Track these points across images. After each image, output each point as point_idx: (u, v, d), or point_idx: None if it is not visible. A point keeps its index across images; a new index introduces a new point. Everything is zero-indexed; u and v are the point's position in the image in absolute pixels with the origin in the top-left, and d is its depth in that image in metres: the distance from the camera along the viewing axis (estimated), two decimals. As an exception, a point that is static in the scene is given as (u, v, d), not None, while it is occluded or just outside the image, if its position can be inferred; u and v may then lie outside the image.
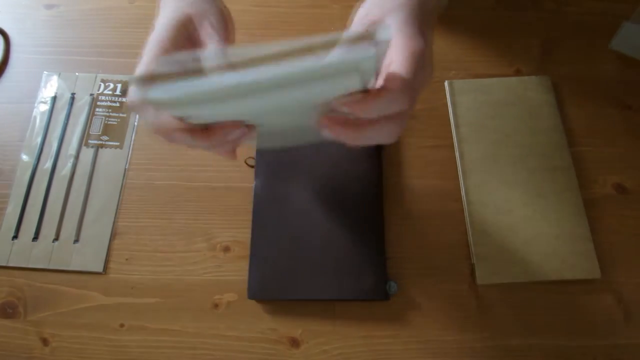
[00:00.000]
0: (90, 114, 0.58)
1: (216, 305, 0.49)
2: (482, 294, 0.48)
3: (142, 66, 0.31)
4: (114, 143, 0.57)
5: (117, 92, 0.59)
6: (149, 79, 0.26)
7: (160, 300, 0.49)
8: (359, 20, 0.34)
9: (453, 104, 0.55)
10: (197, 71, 0.25)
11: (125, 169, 0.55)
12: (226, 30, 0.34)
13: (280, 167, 0.52)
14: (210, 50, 0.32)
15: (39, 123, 0.58)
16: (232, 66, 0.25)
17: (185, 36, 0.33)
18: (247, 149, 0.54)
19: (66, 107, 0.59)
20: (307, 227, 0.49)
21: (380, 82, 0.28)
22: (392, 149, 0.54)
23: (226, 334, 0.48)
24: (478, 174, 0.51)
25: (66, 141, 0.57)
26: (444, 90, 0.57)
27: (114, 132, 0.57)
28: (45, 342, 0.48)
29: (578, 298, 0.47)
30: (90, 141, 0.57)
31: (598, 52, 0.58)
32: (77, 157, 0.56)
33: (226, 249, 0.51)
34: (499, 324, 0.47)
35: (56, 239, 0.52)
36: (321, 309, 0.48)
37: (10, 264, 0.51)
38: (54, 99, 0.59)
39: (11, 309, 0.49)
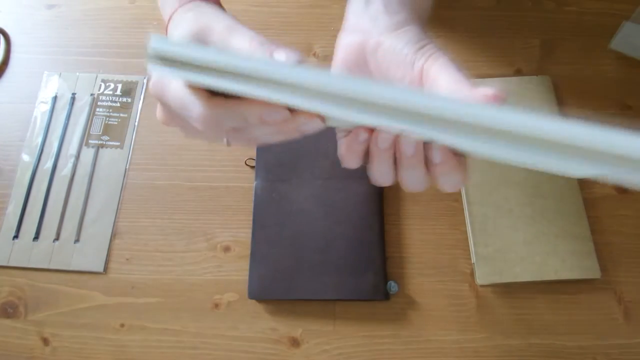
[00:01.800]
0: (91, 114, 0.58)
1: (216, 305, 0.49)
2: (482, 294, 0.48)
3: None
4: (115, 143, 0.57)
5: (118, 92, 0.59)
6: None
7: (160, 300, 0.49)
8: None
9: (453, 104, 0.55)
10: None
11: (125, 169, 0.55)
12: (244, 26, 0.32)
13: (280, 167, 0.52)
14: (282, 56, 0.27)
15: (39, 123, 0.58)
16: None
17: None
18: (248, 150, 0.54)
19: (67, 107, 0.59)
20: (307, 227, 0.49)
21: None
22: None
23: (226, 334, 0.48)
24: (478, 174, 0.51)
25: (67, 141, 0.57)
26: (444, 90, 0.57)
27: (114, 132, 0.57)
28: (45, 341, 0.48)
29: (578, 298, 0.47)
30: (90, 141, 0.57)
31: (598, 52, 0.58)
32: (77, 157, 0.56)
33: (226, 249, 0.51)
34: (499, 324, 0.47)
35: (57, 238, 0.52)
36: (321, 309, 0.48)
37: (11, 264, 0.51)
38: (55, 99, 0.59)
39: (12, 309, 0.49)
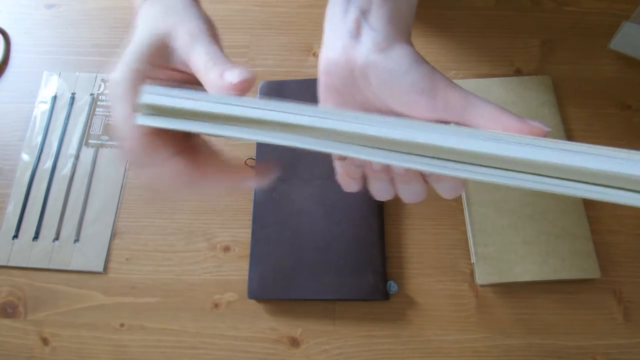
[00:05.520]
0: (91, 114, 0.58)
1: (216, 305, 0.49)
2: (482, 294, 0.48)
3: (120, 76, 0.28)
4: (115, 143, 0.57)
5: (117, 92, 0.59)
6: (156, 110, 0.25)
7: (160, 300, 0.49)
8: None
9: (453, 104, 0.55)
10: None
11: (125, 169, 0.55)
12: (212, 35, 0.30)
13: (280, 167, 0.52)
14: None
15: (39, 123, 0.58)
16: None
17: (160, 57, 0.30)
18: (248, 149, 0.54)
19: (66, 106, 0.59)
20: (307, 227, 0.49)
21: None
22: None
23: (226, 334, 0.48)
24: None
25: (66, 141, 0.57)
26: (444, 90, 0.57)
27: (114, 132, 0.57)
28: (45, 341, 0.48)
29: (578, 298, 0.47)
30: (90, 141, 0.57)
31: (598, 52, 0.58)
32: (77, 156, 0.56)
33: (226, 249, 0.51)
34: (499, 324, 0.47)
35: (56, 238, 0.52)
36: (321, 309, 0.48)
37: (11, 264, 0.51)
38: (55, 98, 0.59)
39: (11, 309, 0.49)
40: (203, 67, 0.28)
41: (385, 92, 0.29)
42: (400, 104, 0.29)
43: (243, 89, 0.26)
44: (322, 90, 0.32)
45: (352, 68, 0.30)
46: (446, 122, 0.28)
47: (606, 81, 0.57)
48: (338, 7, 0.31)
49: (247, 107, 0.24)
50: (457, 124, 0.28)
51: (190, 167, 0.29)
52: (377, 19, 0.29)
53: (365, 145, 0.24)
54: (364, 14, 0.30)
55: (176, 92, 0.25)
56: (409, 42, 0.30)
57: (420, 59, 0.29)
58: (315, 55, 0.60)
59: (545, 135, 0.25)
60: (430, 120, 0.28)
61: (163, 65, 0.30)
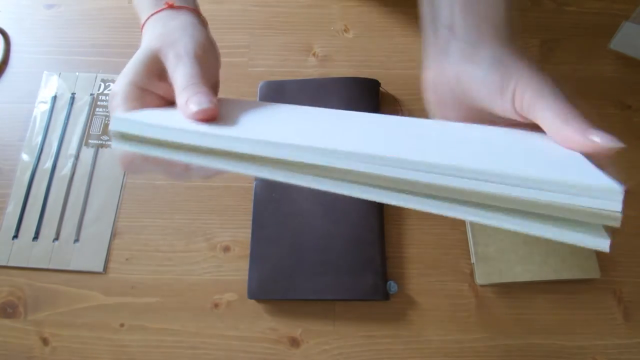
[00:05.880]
0: (91, 114, 0.58)
1: (216, 305, 0.49)
2: (482, 294, 0.48)
3: (117, 101, 0.30)
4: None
5: (117, 92, 0.59)
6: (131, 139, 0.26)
7: (160, 300, 0.49)
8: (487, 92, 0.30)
9: (453, 104, 0.55)
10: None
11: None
12: (197, 56, 0.31)
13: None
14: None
15: (39, 123, 0.58)
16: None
17: (154, 72, 0.31)
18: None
19: (66, 107, 0.59)
20: (307, 227, 0.49)
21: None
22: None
23: (226, 334, 0.48)
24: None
25: (66, 141, 0.57)
26: (444, 90, 0.57)
27: (114, 132, 0.57)
28: (45, 341, 0.48)
29: (578, 298, 0.47)
30: (90, 141, 0.57)
31: (598, 52, 0.58)
32: (77, 157, 0.56)
33: (226, 249, 0.51)
34: (499, 324, 0.47)
35: (56, 238, 0.52)
36: (321, 309, 0.48)
37: (11, 264, 0.51)
38: (54, 98, 0.59)
39: (11, 309, 0.49)
40: (177, 90, 0.30)
41: (477, 100, 0.31)
42: (481, 104, 0.30)
43: (202, 118, 0.27)
44: (432, 107, 0.34)
45: (449, 84, 0.32)
46: (522, 122, 0.29)
47: (606, 81, 0.57)
48: (429, 29, 0.34)
49: (196, 136, 0.25)
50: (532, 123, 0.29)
51: (178, 168, 0.30)
52: (461, 29, 0.32)
53: (308, 174, 0.25)
54: (450, 28, 0.32)
55: (144, 118, 0.26)
56: (496, 42, 0.31)
57: (501, 59, 0.30)
58: (315, 55, 0.60)
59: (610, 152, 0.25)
60: (506, 119, 0.29)
61: (161, 79, 0.31)
